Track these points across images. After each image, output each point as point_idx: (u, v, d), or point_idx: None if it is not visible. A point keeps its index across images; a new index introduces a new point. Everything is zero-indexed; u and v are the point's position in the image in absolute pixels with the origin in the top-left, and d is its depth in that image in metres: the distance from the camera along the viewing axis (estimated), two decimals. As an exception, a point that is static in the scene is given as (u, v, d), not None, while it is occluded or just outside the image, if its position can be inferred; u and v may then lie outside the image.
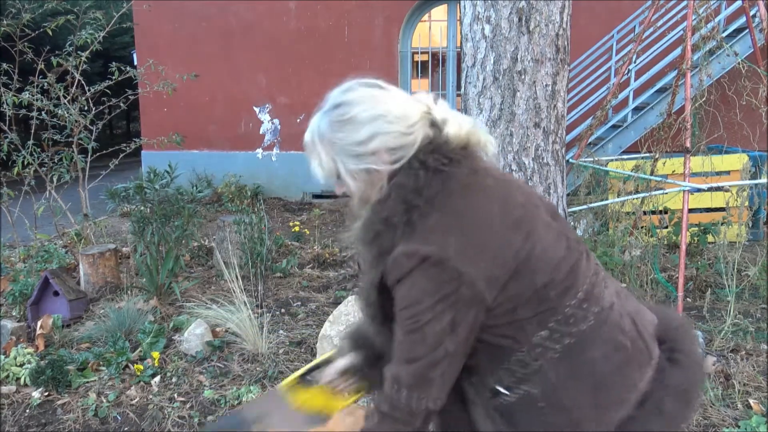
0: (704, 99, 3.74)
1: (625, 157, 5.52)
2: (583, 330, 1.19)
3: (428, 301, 1.13)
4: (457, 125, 1.24)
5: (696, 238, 4.39)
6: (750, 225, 5.15)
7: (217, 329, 3.49)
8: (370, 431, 1.25)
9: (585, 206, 4.29)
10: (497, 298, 1.15)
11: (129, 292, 4.17)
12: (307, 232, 6.14)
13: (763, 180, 4.30)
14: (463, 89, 2.88)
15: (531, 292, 1.17)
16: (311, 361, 3.18)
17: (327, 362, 1.56)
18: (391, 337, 1.25)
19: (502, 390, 1.23)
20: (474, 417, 1.32)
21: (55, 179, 5.13)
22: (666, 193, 3.81)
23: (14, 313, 3.93)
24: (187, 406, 2.81)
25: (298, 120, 8.49)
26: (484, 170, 1.25)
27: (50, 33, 5.17)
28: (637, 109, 6.74)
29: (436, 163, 1.19)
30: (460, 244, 1.13)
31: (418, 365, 1.16)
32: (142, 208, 4.19)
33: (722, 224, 4.32)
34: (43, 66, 5.18)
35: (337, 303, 3.71)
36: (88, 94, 5.28)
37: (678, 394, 1.25)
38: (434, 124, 1.24)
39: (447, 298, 1.12)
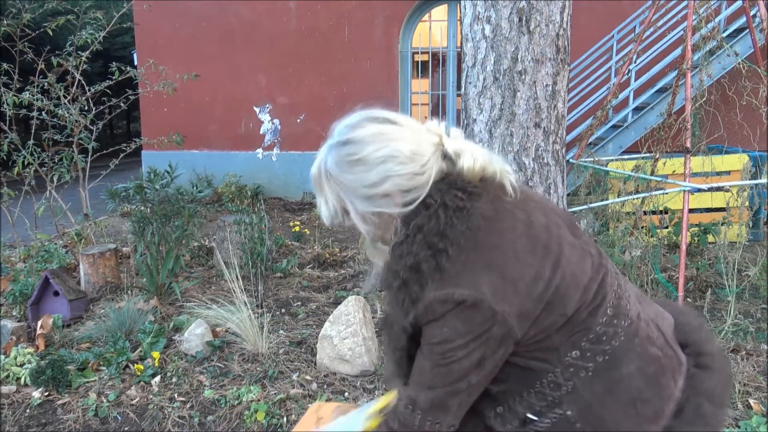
0: (704, 99, 3.74)
1: (625, 157, 5.52)
2: (616, 346, 1.18)
3: (461, 340, 1.11)
4: (471, 157, 1.19)
5: (696, 238, 4.39)
6: (750, 225, 5.15)
7: (218, 329, 3.49)
8: None
9: (585, 206, 4.29)
10: (529, 332, 1.13)
11: (129, 292, 4.17)
12: (307, 232, 6.14)
13: (763, 180, 4.30)
14: (463, 89, 2.88)
15: (563, 321, 1.15)
16: (312, 361, 3.19)
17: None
18: (406, 365, 1.24)
19: (533, 417, 1.19)
20: None
21: (55, 179, 5.13)
22: (666, 193, 3.81)
23: (14, 313, 3.93)
24: (188, 406, 2.81)
25: (298, 120, 8.50)
26: (502, 197, 1.20)
27: (50, 33, 5.17)
28: (637, 109, 6.73)
29: (456, 201, 1.15)
30: (492, 282, 1.10)
31: (437, 392, 1.15)
32: (143, 208, 4.19)
33: (722, 224, 4.31)
34: (43, 66, 5.18)
35: (337, 303, 3.71)
36: (88, 94, 5.28)
37: (712, 398, 1.23)
38: (447, 157, 1.19)
39: (480, 337, 1.10)
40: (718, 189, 3.45)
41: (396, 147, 1.15)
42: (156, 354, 3.16)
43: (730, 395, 1.27)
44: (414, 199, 1.16)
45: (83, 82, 5.27)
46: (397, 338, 1.23)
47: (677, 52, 5.77)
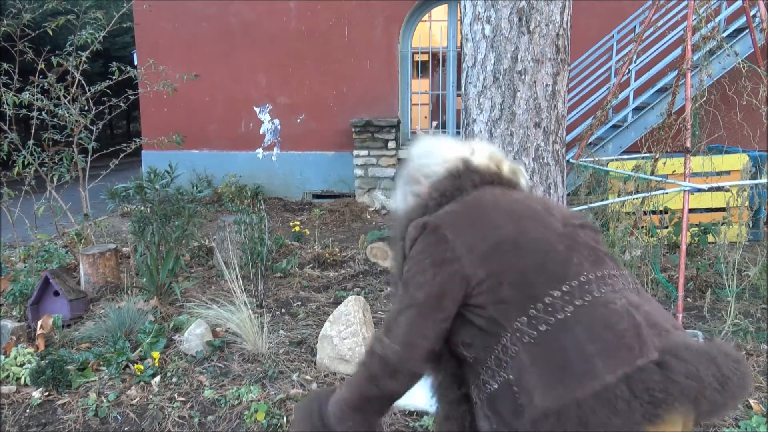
0: (704, 99, 3.74)
1: (625, 157, 5.52)
2: (560, 319, 1.25)
3: (421, 262, 1.35)
4: (478, 155, 1.53)
5: (696, 238, 4.39)
6: (750, 225, 5.15)
7: (218, 329, 3.49)
8: (348, 382, 1.42)
9: (585, 206, 4.28)
10: (478, 271, 1.31)
11: (129, 292, 4.17)
12: (307, 232, 6.14)
13: (763, 180, 4.30)
14: (463, 89, 2.88)
15: (514, 273, 1.30)
16: (312, 361, 3.18)
17: None
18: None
19: (486, 379, 1.32)
20: (477, 420, 1.37)
21: (55, 179, 5.13)
22: (666, 193, 3.81)
23: (14, 313, 3.93)
24: (188, 406, 2.81)
25: (298, 120, 8.50)
26: (509, 191, 1.49)
27: (50, 33, 5.17)
28: (637, 109, 6.74)
29: (463, 179, 1.48)
30: (453, 218, 1.38)
31: (391, 313, 1.38)
32: (143, 208, 4.19)
33: (722, 224, 4.31)
34: (43, 66, 5.18)
35: (337, 303, 3.71)
36: (88, 94, 5.28)
37: (643, 394, 1.16)
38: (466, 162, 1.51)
39: (431, 256, 1.34)
40: (718, 189, 3.44)
41: (423, 172, 1.59)
42: (156, 354, 3.16)
43: (671, 405, 1.16)
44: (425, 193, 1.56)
45: (83, 82, 5.27)
46: (397, 274, 1.47)
47: (677, 52, 5.77)
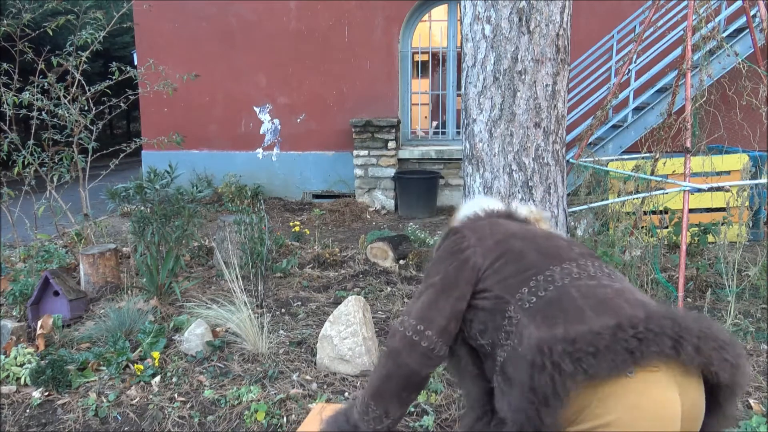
0: (704, 99, 3.74)
1: (625, 157, 5.52)
2: (558, 285, 1.38)
3: (439, 253, 1.60)
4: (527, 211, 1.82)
5: (696, 238, 4.39)
6: (750, 225, 5.15)
7: (218, 329, 3.49)
8: (374, 370, 1.57)
9: (585, 206, 4.29)
10: (487, 258, 1.51)
11: (129, 292, 4.17)
12: (307, 232, 6.14)
13: (763, 180, 4.29)
14: (463, 89, 2.88)
15: (518, 254, 1.49)
16: (312, 361, 3.18)
17: None
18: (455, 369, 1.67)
19: (495, 350, 1.43)
20: (496, 403, 1.42)
21: (55, 179, 5.13)
22: (666, 193, 3.81)
23: (14, 313, 3.93)
24: (188, 406, 2.81)
25: (298, 120, 8.49)
26: (508, 222, 1.71)
27: (50, 33, 5.17)
28: (637, 109, 6.73)
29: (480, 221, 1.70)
30: (472, 222, 1.67)
31: (423, 299, 1.54)
32: (143, 208, 4.19)
33: (722, 224, 4.31)
34: (43, 66, 5.18)
35: (337, 303, 3.71)
36: (88, 94, 5.28)
37: (627, 338, 1.24)
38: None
39: (449, 248, 1.58)
40: (718, 189, 3.45)
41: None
42: (156, 354, 3.16)
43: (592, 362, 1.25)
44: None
45: (83, 82, 5.27)
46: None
47: (677, 52, 5.76)
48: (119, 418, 2.74)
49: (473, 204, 1.80)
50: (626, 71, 4.57)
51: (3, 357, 3.13)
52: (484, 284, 1.48)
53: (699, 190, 3.47)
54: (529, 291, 1.39)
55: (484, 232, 1.57)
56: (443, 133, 8.61)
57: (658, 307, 1.33)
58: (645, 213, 4.58)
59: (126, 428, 2.69)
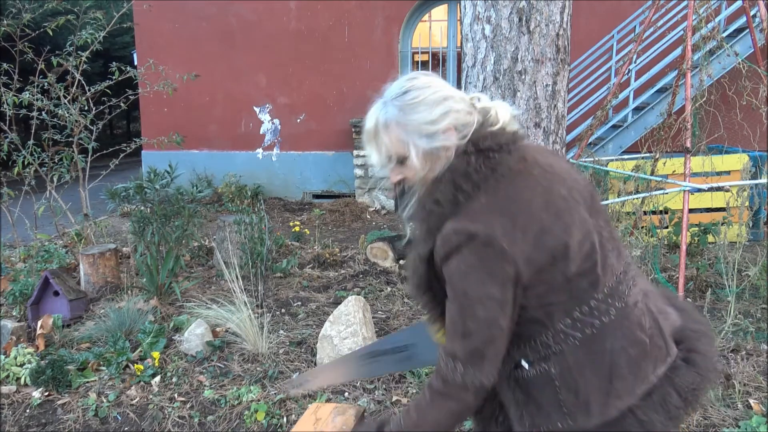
0: (704, 99, 3.74)
1: (625, 157, 5.52)
2: (605, 322, 1.26)
3: (476, 275, 1.20)
4: (497, 114, 1.32)
5: (696, 238, 4.39)
6: (750, 225, 5.15)
7: (218, 329, 3.49)
8: (421, 409, 1.30)
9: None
10: (532, 280, 1.22)
11: (129, 292, 4.17)
12: (307, 232, 6.14)
13: (763, 180, 4.30)
14: (463, 89, 2.88)
15: (563, 279, 1.23)
16: (312, 361, 3.18)
17: None
18: (432, 304, 1.35)
19: (524, 363, 1.30)
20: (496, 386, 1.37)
21: (55, 179, 5.14)
22: (666, 193, 3.81)
23: (14, 313, 3.93)
24: (187, 406, 2.81)
25: (298, 120, 8.49)
26: (533, 159, 1.31)
27: (50, 33, 5.17)
28: (637, 109, 6.73)
29: (487, 149, 1.27)
30: (503, 225, 1.20)
31: (473, 340, 1.22)
32: (143, 208, 4.19)
33: (722, 224, 4.31)
34: (43, 66, 5.18)
35: (337, 303, 3.71)
36: (88, 94, 5.28)
37: (685, 393, 1.29)
38: (480, 112, 1.33)
39: (494, 274, 1.19)
40: (718, 189, 3.44)
41: (450, 90, 1.30)
42: (156, 354, 3.16)
43: (701, 397, 1.34)
44: (466, 134, 1.27)
45: (83, 82, 5.27)
46: (416, 265, 1.34)
47: (677, 52, 5.77)
48: (119, 418, 2.74)
49: (443, 89, 1.29)
50: (626, 71, 4.57)
51: (3, 357, 3.13)
52: (523, 302, 1.25)
53: (699, 190, 3.47)
54: (573, 324, 1.25)
55: (524, 241, 1.20)
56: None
57: (685, 330, 1.39)
58: (645, 213, 4.58)
59: (126, 428, 2.69)
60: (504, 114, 1.32)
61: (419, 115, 1.26)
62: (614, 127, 6.82)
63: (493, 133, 1.29)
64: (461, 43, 2.86)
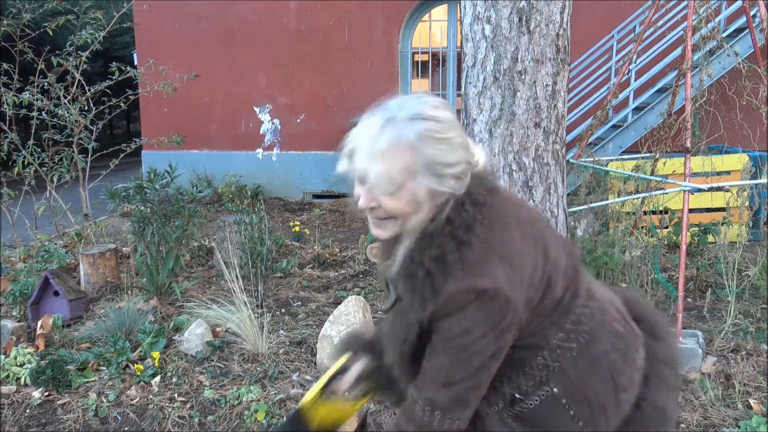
0: (704, 99, 3.73)
1: (625, 157, 5.52)
2: (593, 326, 1.28)
3: (480, 330, 1.14)
4: (480, 153, 1.26)
5: (696, 238, 4.39)
6: (750, 225, 5.15)
7: (218, 329, 3.49)
8: None
9: (585, 206, 4.28)
10: (528, 318, 1.21)
11: (129, 292, 4.17)
12: (307, 232, 6.14)
13: (763, 180, 4.29)
14: (463, 89, 2.88)
15: (553, 304, 1.24)
16: (312, 361, 3.18)
17: (341, 371, 1.54)
18: (409, 373, 1.27)
19: (519, 396, 1.26)
20: (486, 429, 1.30)
21: (55, 179, 5.14)
22: (666, 193, 3.80)
23: (14, 313, 3.93)
24: (188, 406, 2.81)
25: (298, 120, 8.49)
26: (506, 196, 1.30)
27: (50, 33, 5.17)
28: (637, 109, 6.73)
29: (480, 197, 1.20)
30: (505, 272, 1.15)
31: (458, 388, 1.17)
32: (143, 208, 4.19)
33: (722, 224, 4.31)
34: (43, 66, 5.18)
35: (337, 303, 3.71)
36: (88, 94, 5.28)
37: (669, 363, 1.37)
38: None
39: (497, 325, 1.15)
40: (718, 189, 3.44)
41: (465, 137, 1.22)
42: (156, 354, 3.16)
43: (679, 362, 1.51)
44: (463, 186, 1.19)
45: (83, 82, 5.27)
46: (408, 329, 1.23)
47: (677, 52, 5.76)
48: (119, 418, 2.74)
49: (449, 130, 1.19)
50: (626, 71, 4.57)
51: (3, 357, 3.13)
52: (516, 336, 1.22)
53: (699, 190, 3.46)
54: (567, 337, 1.26)
55: (521, 282, 1.17)
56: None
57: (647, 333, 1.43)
58: (645, 213, 4.58)
59: (126, 428, 2.69)
60: (480, 153, 1.26)
61: (439, 153, 1.15)
62: (614, 127, 6.82)
63: (480, 177, 1.23)
64: (461, 43, 2.86)
